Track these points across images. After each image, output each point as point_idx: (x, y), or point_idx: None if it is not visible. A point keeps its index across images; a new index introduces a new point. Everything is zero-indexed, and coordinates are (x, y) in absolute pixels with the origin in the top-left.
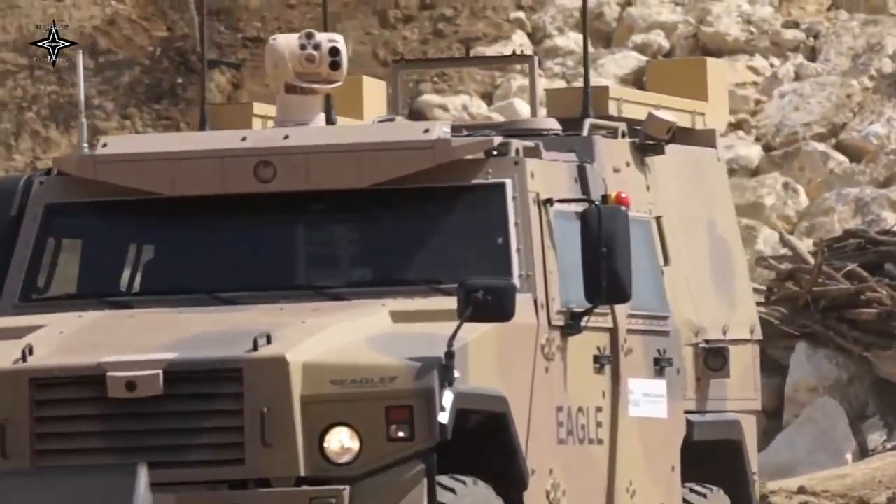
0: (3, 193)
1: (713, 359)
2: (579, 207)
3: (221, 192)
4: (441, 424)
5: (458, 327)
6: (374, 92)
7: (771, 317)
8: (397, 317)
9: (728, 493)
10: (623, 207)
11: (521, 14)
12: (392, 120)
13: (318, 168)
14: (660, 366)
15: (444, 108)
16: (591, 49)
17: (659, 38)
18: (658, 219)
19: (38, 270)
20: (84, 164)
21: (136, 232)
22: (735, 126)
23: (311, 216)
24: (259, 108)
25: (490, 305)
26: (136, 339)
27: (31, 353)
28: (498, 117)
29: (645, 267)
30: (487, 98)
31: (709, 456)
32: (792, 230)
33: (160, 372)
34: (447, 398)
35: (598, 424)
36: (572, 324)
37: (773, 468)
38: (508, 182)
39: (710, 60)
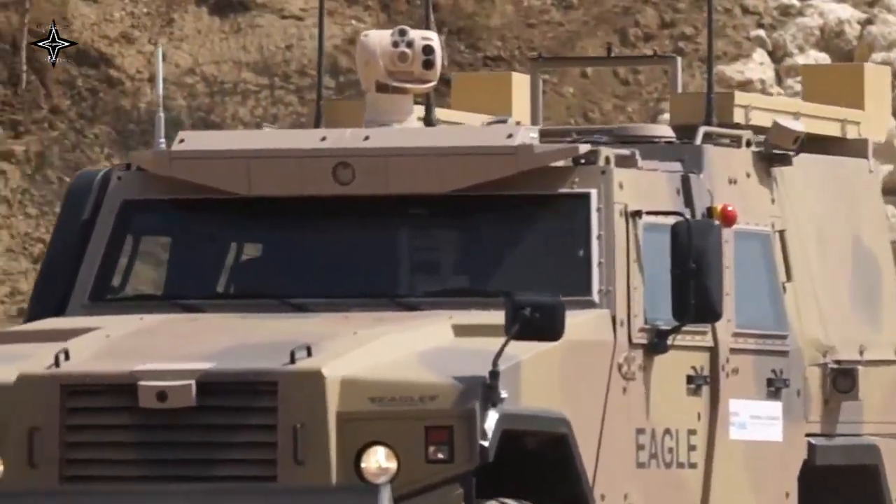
0: (80, 189)
1: (842, 380)
2: (672, 220)
3: (299, 193)
4: (482, 446)
5: (504, 345)
6: (525, 89)
7: None
8: (460, 330)
9: None
10: (716, 222)
11: (762, 32)
12: (504, 122)
13: (398, 172)
14: (774, 387)
15: None
16: None
17: None
18: (782, 233)
19: (112, 269)
20: (159, 160)
21: (212, 232)
22: None
23: (390, 222)
24: None
25: (538, 323)
26: (178, 347)
27: (67, 357)
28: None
29: (761, 283)
30: None
31: (838, 482)
32: None
33: (193, 382)
34: (490, 419)
35: (692, 448)
36: (658, 342)
37: None
38: (594, 192)
39: (869, 66)
